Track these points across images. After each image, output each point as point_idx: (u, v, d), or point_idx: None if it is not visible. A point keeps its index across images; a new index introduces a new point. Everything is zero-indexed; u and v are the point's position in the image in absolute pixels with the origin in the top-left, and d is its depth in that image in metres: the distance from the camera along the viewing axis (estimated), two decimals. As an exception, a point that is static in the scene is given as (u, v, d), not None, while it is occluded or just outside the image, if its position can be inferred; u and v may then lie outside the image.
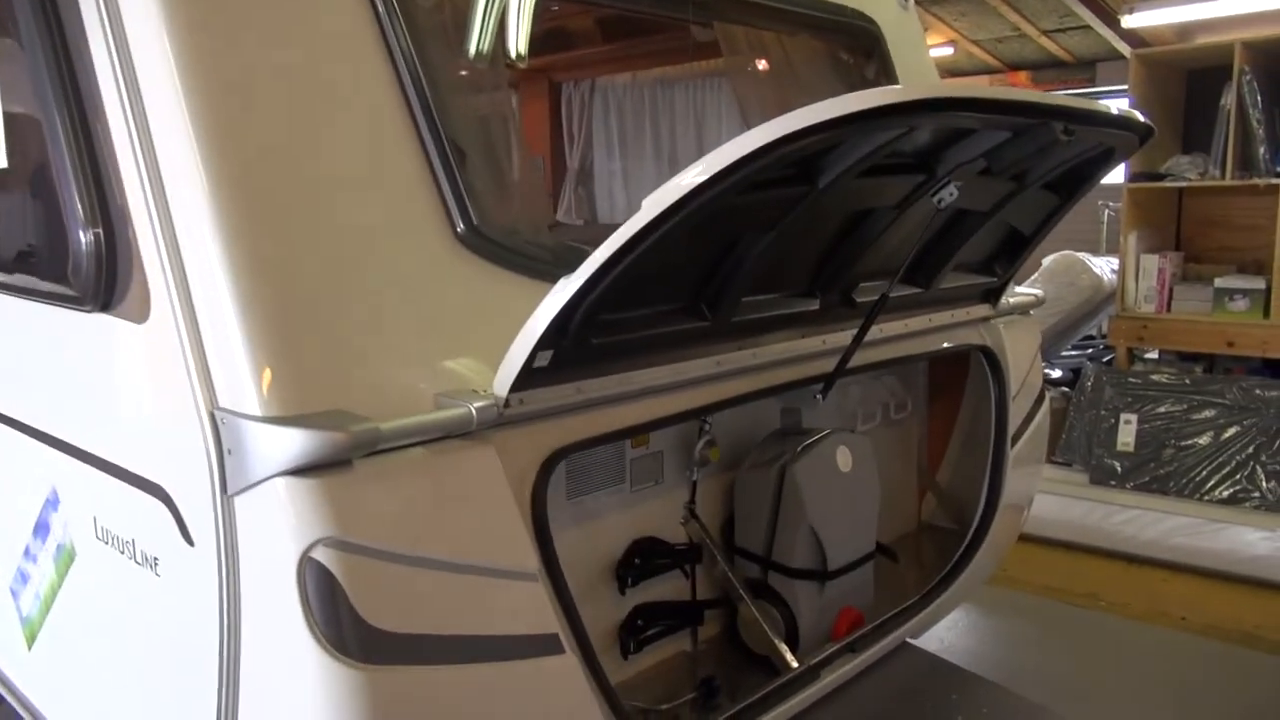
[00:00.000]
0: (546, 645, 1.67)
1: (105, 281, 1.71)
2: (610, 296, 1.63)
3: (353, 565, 1.44)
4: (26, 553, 2.29)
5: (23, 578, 2.35)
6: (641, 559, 2.51)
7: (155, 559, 1.74)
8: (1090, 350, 6.95)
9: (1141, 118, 2.20)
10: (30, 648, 2.39)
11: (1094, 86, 10.74)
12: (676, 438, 2.61)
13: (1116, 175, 5.69)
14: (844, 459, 2.62)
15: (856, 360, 2.48)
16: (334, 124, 1.66)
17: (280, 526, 1.43)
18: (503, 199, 2.00)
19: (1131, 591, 4.33)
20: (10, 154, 2.03)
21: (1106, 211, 8.27)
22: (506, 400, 1.64)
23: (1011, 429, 3.04)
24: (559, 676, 1.69)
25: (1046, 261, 5.73)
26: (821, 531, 2.53)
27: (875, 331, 2.53)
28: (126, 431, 1.79)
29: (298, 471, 1.43)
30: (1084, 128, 1.98)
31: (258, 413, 1.45)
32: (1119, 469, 5.00)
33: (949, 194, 2.04)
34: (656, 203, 1.48)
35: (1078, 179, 2.55)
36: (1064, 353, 6.63)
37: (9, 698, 2.60)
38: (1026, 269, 6.38)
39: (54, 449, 2.05)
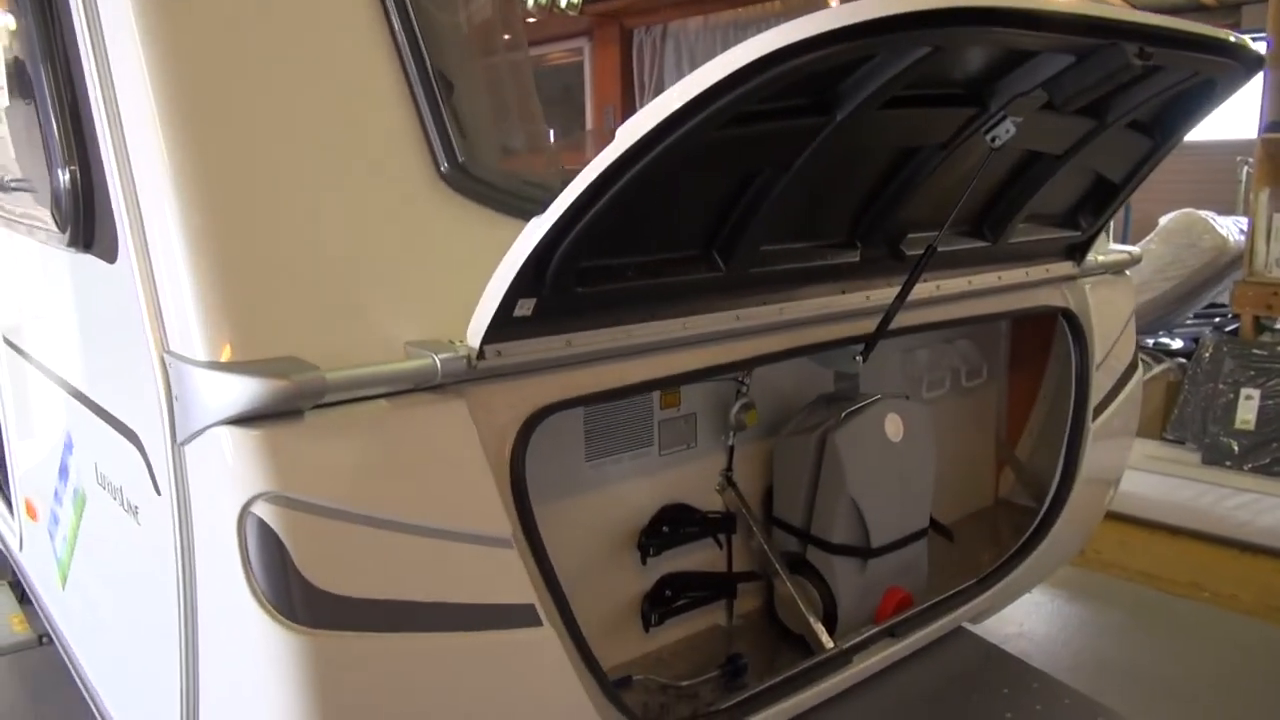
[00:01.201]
0: (521, 616, 1.55)
1: (84, 220, 1.66)
2: (594, 239, 1.48)
3: (298, 523, 1.35)
4: (55, 495, 2.31)
5: (54, 519, 2.38)
6: (670, 527, 2.37)
7: (136, 507, 1.70)
8: (1217, 319, 6.39)
9: (1248, 41, 1.89)
10: (64, 588, 2.43)
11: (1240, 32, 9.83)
12: (711, 400, 2.45)
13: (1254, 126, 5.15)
14: (894, 428, 2.40)
15: (909, 320, 2.26)
16: (300, 50, 1.54)
17: (221, 479, 1.35)
18: (497, 136, 1.86)
19: (1240, 583, 3.95)
20: (14, 96, 2.02)
21: (1245, 169, 7.57)
22: (480, 352, 1.51)
23: (1095, 400, 2.75)
24: (535, 650, 1.57)
25: (1164, 220, 5.25)
26: (864, 505, 2.33)
27: (931, 289, 2.30)
28: (109, 375, 1.75)
29: (241, 421, 1.34)
30: (1167, 52, 1.70)
31: (201, 357, 1.36)
32: (1236, 449, 4.56)
33: (1005, 131, 1.79)
34: (631, 132, 1.31)
35: (1174, 119, 2.25)
36: (1185, 321, 6.11)
37: (53, 635, 2.67)
38: (1141, 228, 5.88)
39: (65, 392, 2.04)
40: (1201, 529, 4.27)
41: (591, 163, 1.34)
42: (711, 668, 2.31)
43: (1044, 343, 3.18)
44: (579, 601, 2.24)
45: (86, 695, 2.30)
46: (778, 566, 2.39)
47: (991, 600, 2.65)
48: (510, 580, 1.54)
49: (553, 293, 1.53)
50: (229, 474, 1.34)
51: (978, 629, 3.14)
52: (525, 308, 1.54)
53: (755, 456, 2.57)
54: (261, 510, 1.33)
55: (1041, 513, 2.72)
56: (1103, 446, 2.78)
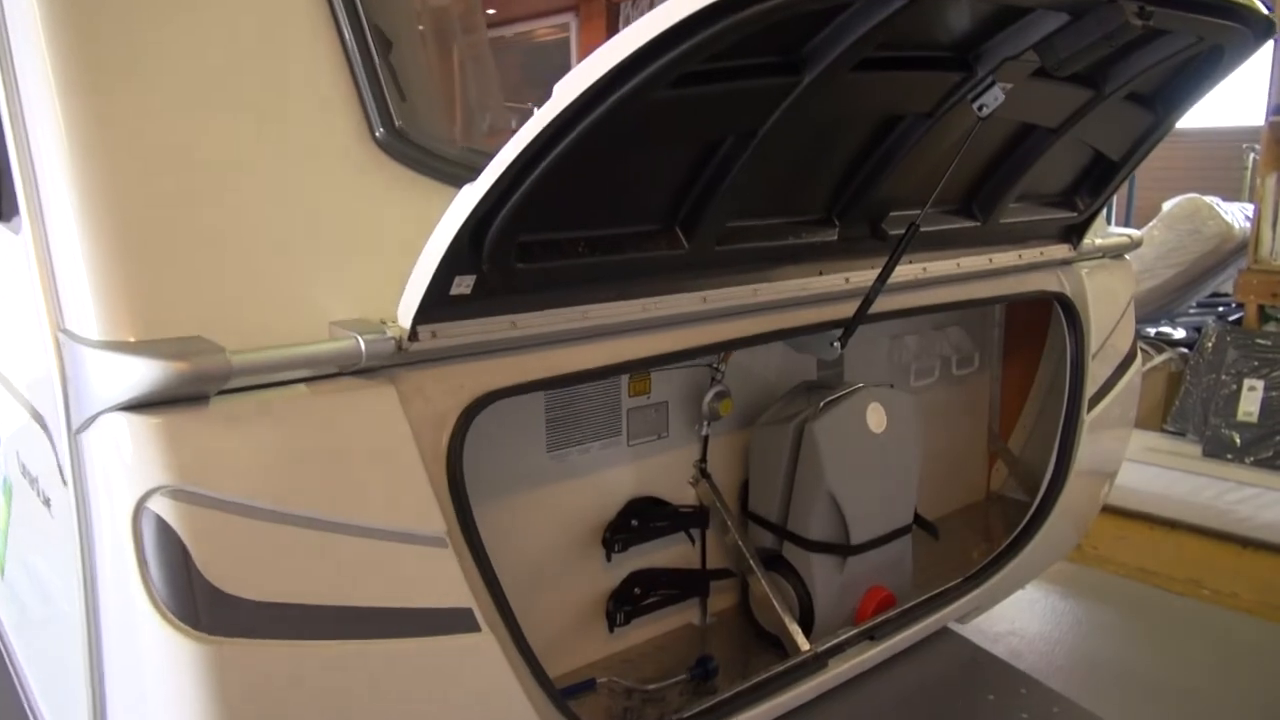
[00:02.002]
0: (457, 621, 1.42)
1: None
2: (537, 210, 1.35)
3: (200, 520, 1.22)
4: (-9, 481, 2.19)
5: (-10, 506, 2.25)
6: (640, 521, 2.25)
7: (49, 499, 1.57)
8: (1220, 309, 6.24)
9: (1258, 4, 1.75)
10: (4, 576, 2.31)
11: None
12: (684, 387, 2.32)
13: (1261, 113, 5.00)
14: (876, 418, 2.27)
15: (892, 304, 2.13)
16: (215, 1, 1.41)
17: (115, 471, 1.22)
18: (442, 99, 1.72)
19: (1240, 580, 3.82)
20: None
21: (1251, 156, 7.41)
22: (413, 333, 1.38)
23: (1091, 390, 2.62)
24: (472, 657, 1.45)
25: (1167, 205, 5.09)
26: (843, 500, 2.20)
27: (916, 271, 2.17)
28: (21, 355, 1.62)
29: (138, 407, 1.21)
30: (1169, 13, 1.56)
31: (95, 336, 1.23)
32: (1238, 441, 4.42)
33: (993, 98, 1.66)
34: (570, 89, 1.18)
35: (1178, 91, 2.11)
36: (1188, 310, 5.96)
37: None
38: (1144, 215, 5.72)
39: (-10, 374, 1.92)
40: (1201, 524, 4.14)
41: (527, 124, 1.20)
42: (682, 670, 2.19)
43: (1039, 330, 3.05)
44: (539, 600, 2.13)
45: (19, 688, 2.19)
46: (752, 564, 2.27)
47: (979, 600, 2.53)
48: (444, 582, 1.41)
49: (493, 269, 1.40)
50: (123, 466, 1.21)
51: (966, 629, 3.03)
52: (463, 285, 1.40)
53: (731, 447, 2.45)
54: (159, 506, 1.20)
55: (1033, 508, 2.60)
56: (1099, 439, 2.65)
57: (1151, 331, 5.25)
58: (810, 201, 1.86)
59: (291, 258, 1.41)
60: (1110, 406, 2.67)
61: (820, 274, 1.96)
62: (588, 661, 2.26)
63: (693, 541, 2.35)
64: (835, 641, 2.10)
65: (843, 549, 2.24)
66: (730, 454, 2.45)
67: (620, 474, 2.24)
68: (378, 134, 1.49)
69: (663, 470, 2.32)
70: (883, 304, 2.08)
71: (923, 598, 2.32)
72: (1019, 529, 2.58)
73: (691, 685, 2.15)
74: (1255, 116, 5.22)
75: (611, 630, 2.17)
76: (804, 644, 2.13)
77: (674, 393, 2.31)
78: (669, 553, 2.34)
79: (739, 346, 1.86)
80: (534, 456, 2.06)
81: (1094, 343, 2.60)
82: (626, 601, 2.25)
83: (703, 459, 2.37)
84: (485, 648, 1.45)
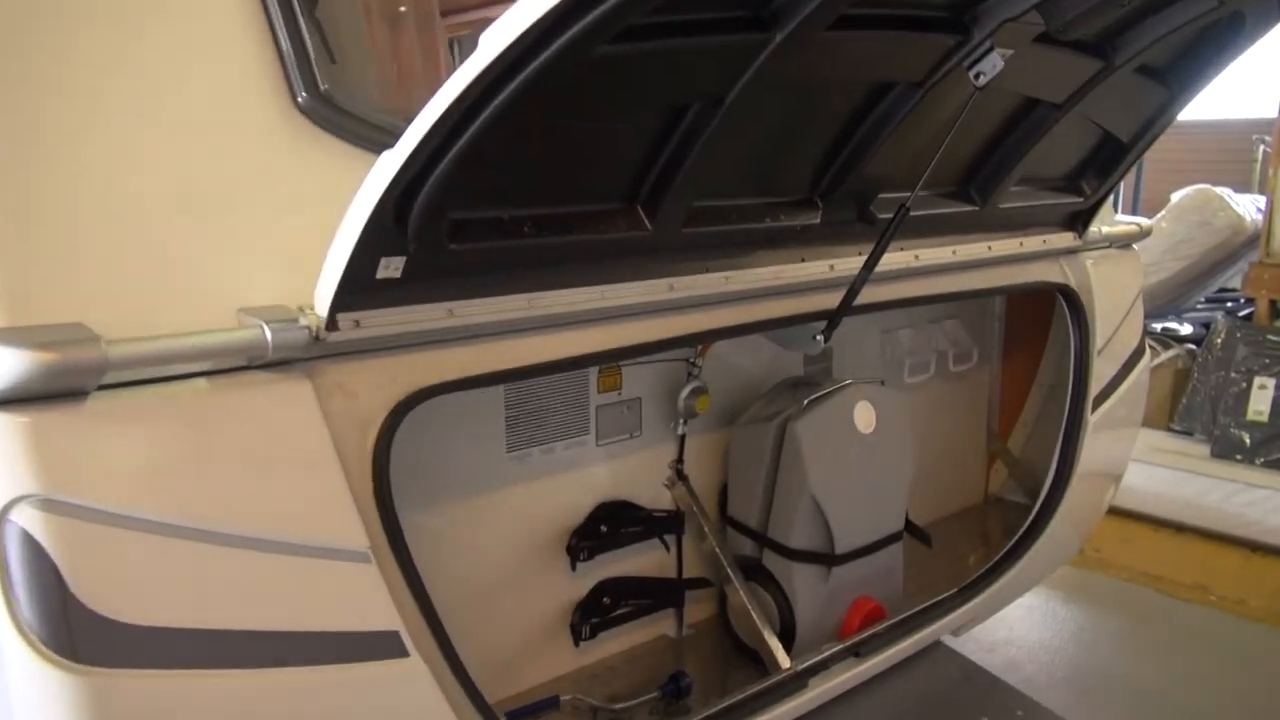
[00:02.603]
0: (382, 646, 1.27)
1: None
2: (470, 184, 1.19)
3: (73, 534, 1.06)
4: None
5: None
6: (610, 526, 2.09)
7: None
8: (1229, 304, 6.07)
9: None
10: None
11: None
12: (659, 383, 2.16)
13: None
14: (865, 417, 2.11)
15: (882, 295, 1.97)
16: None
17: (-27, 478, 1.06)
18: (381, 63, 1.56)
19: (1249, 586, 3.66)
20: None
21: (1261, 148, 7.23)
22: (331, 321, 1.22)
23: (1096, 388, 2.46)
24: (400, 685, 1.29)
25: (1176, 196, 4.92)
26: (827, 505, 2.04)
27: (908, 259, 2.00)
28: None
29: (2, 404, 1.05)
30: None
31: (-51, 323, 1.08)
32: (1247, 441, 4.26)
33: (991, 65, 1.50)
34: (497, 38, 1.01)
35: (1194, 64, 1.94)
36: (1196, 305, 5.79)
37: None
38: (1152, 208, 5.56)
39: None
40: (1209, 527, 3.98)
41: (449, 80, 1.04)
42: (654, 686, 2.04)
43: (1042, 324, 2.89)
44: (498, 612, 1.98)
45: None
46: (730, 573, 2.11)
47: (975, 611, 2.37)
48: (367, 602, 1.25)
49: (423, 250, 1.24)
50: (-19, 472, 1.05)
51: (961, 640, 2.88)
52: (391, 268, 1.25)
53: (711, 448, 2.29)
54: (24, 518, 1.04)
55: (1033, 513, 2.43)
56: (1103, 439, 2.49)
57: (1158, 327, 5.08)
58: (790, 181, 1.70)
59: (197, 236, 1.25)
60: (1116, 405, 2.51)
61: (802, 261, 1.80)
62: (555, 675, 2.11)
63: (667, 548, 2.20)
64: (817, 659, 1.94)
65: (827, 558, 2.08)
66: (710, 455, 2.29)
67: (588, 476, 2.08)
68: (300, 99, 1.33)
69: (635, 472, 2.16)
70: (871, 294, 1.92)
71: (913, 610, 2.16)
72: (1017, 536, 2.42)
73: (662, 704, 1.99)
74: (1266, 109, 5.05)
75: (577, 645, 2.02)
76: (784, 660, 1.98)
77: (648, 389, 2.15)
78: (642, 560, 2.19)
79: (711, 340, 1.71)
80: (491, 457, 1.91)
81: (1099, 338, 2.44)
82: (595, 612, 2.09)
83: (679, 460, 2.21)
84: (414, 674, 1.29)
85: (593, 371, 2.05)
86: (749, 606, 2.06)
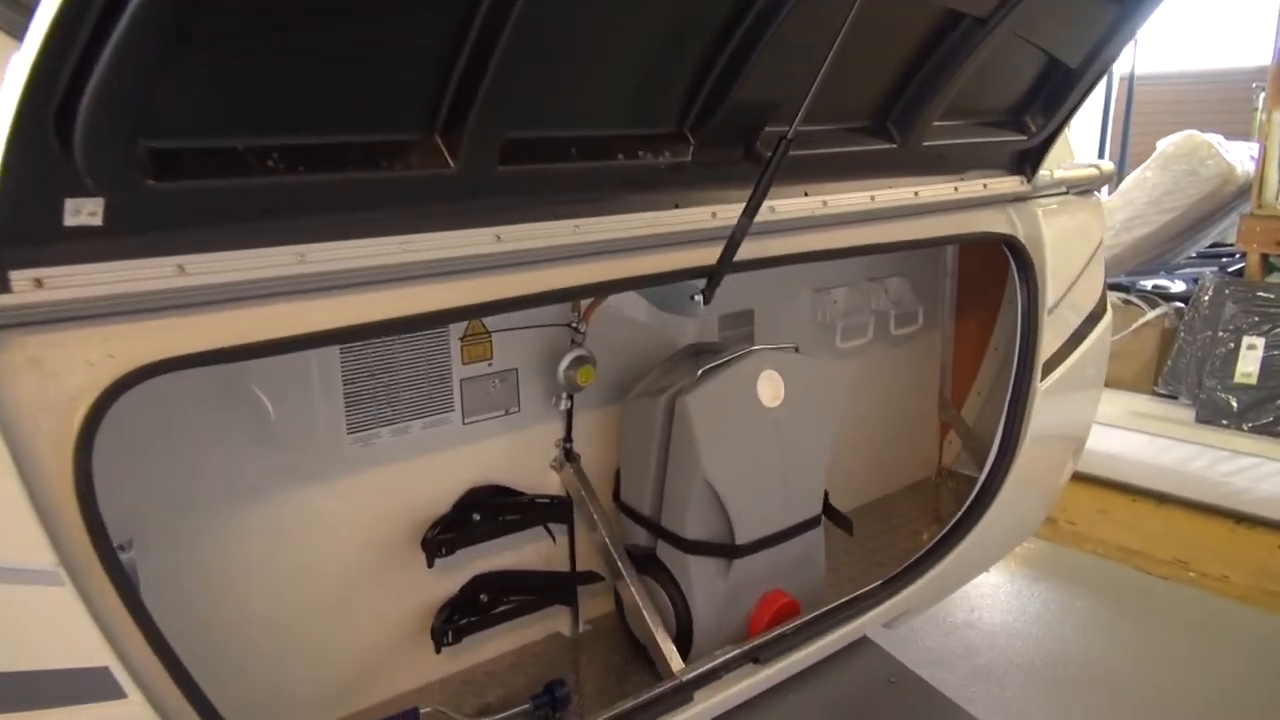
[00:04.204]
0: (86, 686, 1.02)
1: None
2: (172, 97, 0.93)
3: None
4: None
5: None
6: (483, 515, 1.84)
7: None
8: (1224, 259, 5.76)
9: None
10: None
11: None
12: (539, 352, 1.90)
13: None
14: (770, 389, 1.85)
15: (782, 248, 1.70)
16: None
17: None
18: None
19: (1232, 561, 3.41)
20: None
21: (1260, 96, 6.88)
22: (1, 280, 0.96)
23: (1050, 349, 2.18)
24: (115, 735, 1.04)
25: (1162, 144, 4.60)
26: (724, 490, 1.78)
27: (814, 206, 1.73)
28: None
29: None
30: None
31: None
32: (1234, 405, 3.99)
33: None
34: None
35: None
36: (1189, 261, 5.48)
37: None
38: (1142, 159, 5.24)
39: None
40: (1192, 497, 3.73)
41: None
42: (530, 694, 1.80)
43: (998, 281, 2.61)
44: (349, 614, 1.74)
45: None
46: (620, 566, 1.86)
47: (910, 600, 2.12)
48: (62, 634, 1.00)
49: (121, 190, 0.97)
50: None
51: (920, 620, 2.65)
52: (86, 213, 0.98)
53: (608, 425, 2.03)
54: None
55: (975, 491, 2.18)
56: (1056, 407, 2.22)
57: (1148, 284, 4.80)
58: (650, 110, 1.42)
59: None
60: (1071, 371, 2.24)
61: (676, 207, 1.53)
62: (427, 681, 1.87)
63: (554, 538, 1.95)
64: (706, 667, 1.70)
65: (727, 549, 1.83)
66: (607, 432, 2.03)
67: (455, 459, 1.83)
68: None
69: (514, 454, 1.91)
70: (769, 247, 1.66)
71: (830, 605, 1.92)
72: (956, 517, 2.17)
73: (535, 716, 1.75)
74: (1264, 56, 4.78)
75: (438, 650, 1.77)
76: (678, 664, 1.74)
77: (525, 359, 1.89)
78: (527, 553, 1.94)
79: (557, 300, 1.44)
80: (328, 441, 1.66)
81: (1051, 295, 2.17)
82: (471, 611, 1.85)
83: (567, 438, 1.96)
84: (133, 718, 1.04)
85: (455, 339, 1.79)
86: (639, 604, 1.81)
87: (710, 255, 1.56)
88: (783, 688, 1.82)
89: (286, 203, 1.12)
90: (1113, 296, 4.70)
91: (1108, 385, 4.46)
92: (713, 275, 1.53)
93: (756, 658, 1.74)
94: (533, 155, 1.29)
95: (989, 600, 3.25)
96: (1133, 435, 4.07)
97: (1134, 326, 4.48)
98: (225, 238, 1.09)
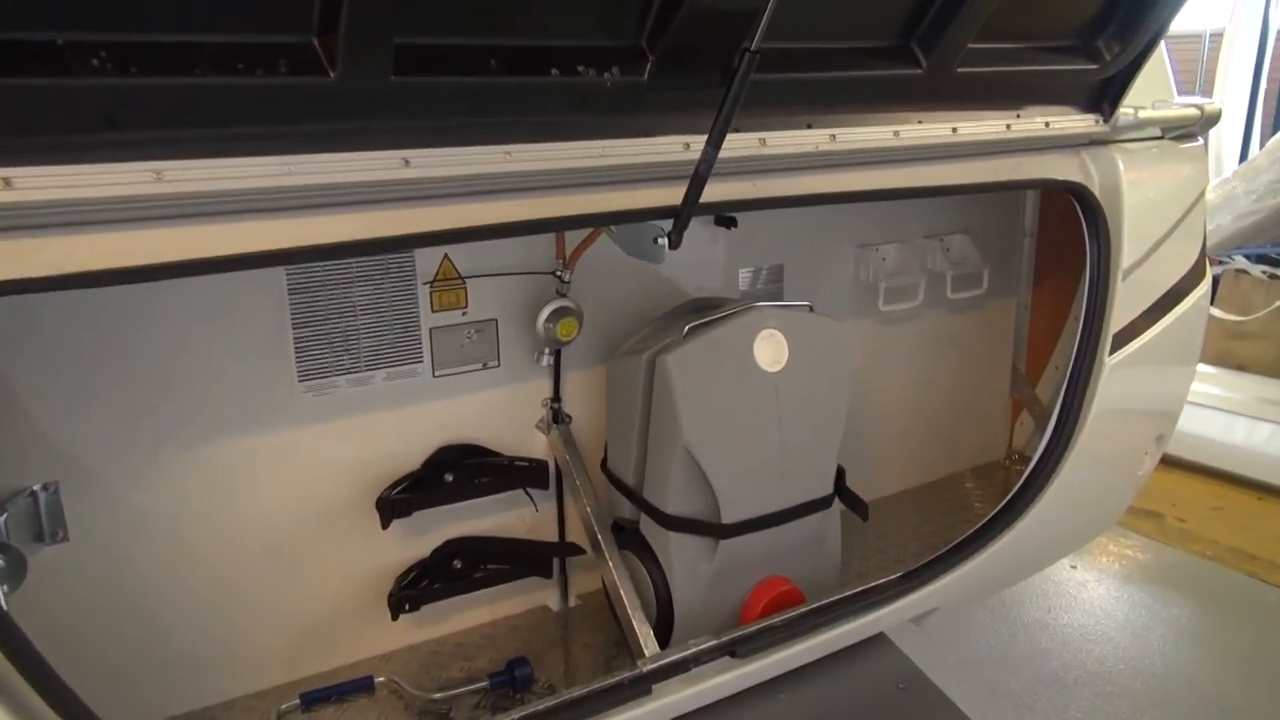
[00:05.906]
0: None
1: None
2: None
3: None
4: None
5: None
6: (456, 476, 1.71)
7: None
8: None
9: None
10: None
11: None
12: (522, 301, 1.74)
13: None
14: (772, 351, 1.64)
15: (787, 189, 1.47)
16: None
17: None
18: None
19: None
20: None
21: None
22: None
23: (1124, 319, 1.88)
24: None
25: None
26: (707, 462, 1.59)
27: (821, 140, 1.49)
28: None
29: None
30: None
31: None
32: (1386, 396, 3.49)
33: None
34: None
35: None
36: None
37: None
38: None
39: None
40: (1326, 498, 3.28)
41: None
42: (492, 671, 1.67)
43: (1083, 242, 2.29)
44: (305, 577, 1.64)
45: None
46: (600, 539, 1.70)
47: (938, 597, 1.87)
48: None
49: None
50: None
51: (979, 612, 2.39)
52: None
53: (602, 385, 1.86)
54: None
55: (1023, 478, 1.90)
56: (1129, 386, 1.91)
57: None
58: (592, 17, 1.22)
59: None
60: (1153, 343, 1.92)
61: (648, 134, 1.33)
62: (392, 648, 1.77)
63: (535, 505, 1.81)
64: (673, 658, 1.52)
65: (713, 528, 1.63)
66: (604, 393, 1.86)
67: (424, 414, 1.70)
68: None
69: (493, 411, 1.77)
70: (764, 187, 1.44)
71: (836, 597, 1.70)
72: (1000, 505, 1.90)
73: (490, 697, 1.62)
74: None
75: (395, 618, 1.66)
76: (651, 648, 1.57)
77: (507, 308, 1.74)
78: (510, 519, 1.81)
79: (488, 236, 1.26)
80: (276, 388, 1.55)
81: (1128, 256, 1.86)
82: (441, 576, 1.73)
83: (555, 397, 1.80)
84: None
85: (422, 285, 1.65)
86: (616, 583, 1.65)
87: (682, 193, 1.36)
88: (771, 687, 1.62)
89: (134, 112, 0.99)
90: (1255, 270, 4.18)
91: (1240, 368, 3.99)
92: (678, 216, 1.33)
93: (734, 651, 1.54)
94: (437, 66, 1.11)
95: (1068, 599, 2.93)
96: (1262, 425, 3.62)
97: (1277, 304, 3.98)
98: (58, 150, 0.97)
